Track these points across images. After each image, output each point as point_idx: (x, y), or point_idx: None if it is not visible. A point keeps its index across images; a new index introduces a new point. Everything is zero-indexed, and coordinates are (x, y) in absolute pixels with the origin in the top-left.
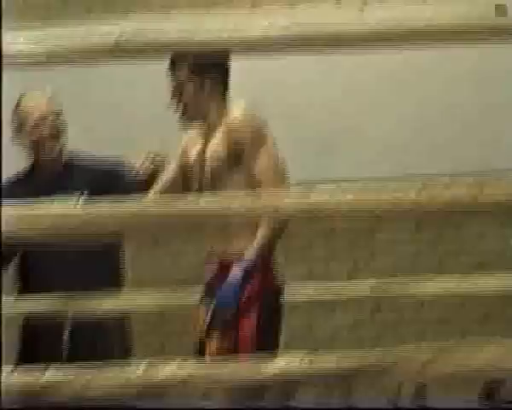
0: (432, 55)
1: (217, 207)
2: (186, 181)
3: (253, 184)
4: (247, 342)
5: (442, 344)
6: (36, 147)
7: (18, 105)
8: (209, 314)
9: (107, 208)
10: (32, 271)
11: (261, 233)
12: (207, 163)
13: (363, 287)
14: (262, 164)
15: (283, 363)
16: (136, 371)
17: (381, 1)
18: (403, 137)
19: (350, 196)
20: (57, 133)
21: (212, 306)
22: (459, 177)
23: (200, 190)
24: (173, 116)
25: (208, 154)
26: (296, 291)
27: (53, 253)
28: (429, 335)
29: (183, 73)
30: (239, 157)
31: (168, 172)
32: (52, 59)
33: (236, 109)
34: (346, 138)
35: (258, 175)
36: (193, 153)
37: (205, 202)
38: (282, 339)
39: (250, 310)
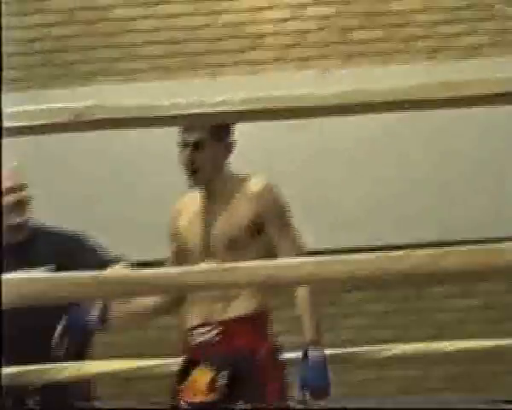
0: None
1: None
2: (183, 256)
3: (270, 254)
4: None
5: None
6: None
7: None
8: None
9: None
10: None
11: (311, 312)
12: (220, 233)
13: None
14: (285, 237)
15: None
16: None
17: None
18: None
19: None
20: (22, 205)
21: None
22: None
23: (204, 258)
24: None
25: (224, 224)
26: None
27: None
28: None
29: (203, 135)
30: (261, 226)
31: (169, 262)
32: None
33: (258, 180)
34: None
35: (280, 247)
36: (192, 222)
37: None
38: None
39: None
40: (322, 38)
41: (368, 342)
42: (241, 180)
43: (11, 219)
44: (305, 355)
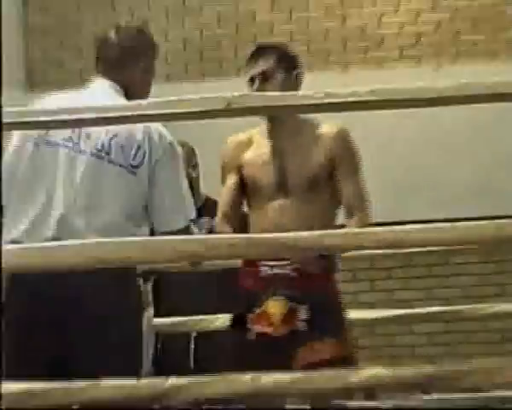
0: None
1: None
2: (251, 190)
3: (336, 200)
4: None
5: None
6: None
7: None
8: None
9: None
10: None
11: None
12: (300, 171)
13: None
14: (354, 184)
15: (370, 372)
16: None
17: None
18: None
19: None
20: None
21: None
22: None
23: (279, 197)
24: None
25: (300, 162)
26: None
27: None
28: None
29: (271, 62)
30: (333, 168)
31: (230, 200)
32: None
33: (333, 124)
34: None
35: (344, 191)
36: (263, 157)
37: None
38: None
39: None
40: (436, 40)
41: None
42: (313, 123)
43: None
44: None
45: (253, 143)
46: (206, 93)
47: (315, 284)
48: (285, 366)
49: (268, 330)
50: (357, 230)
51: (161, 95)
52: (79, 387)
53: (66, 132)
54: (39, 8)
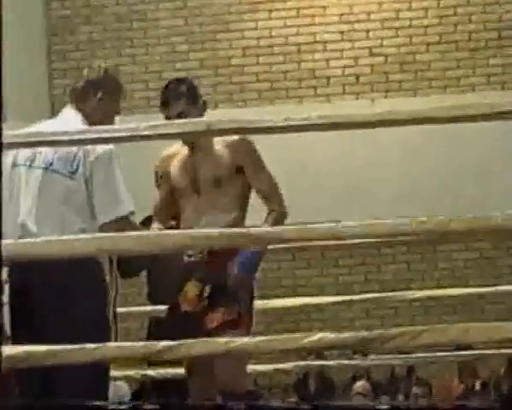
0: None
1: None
2: (176, 195)
3: (244, 195)
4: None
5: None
6: None
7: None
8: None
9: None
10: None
11: (271, 221)
12: (207, 174)
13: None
14: (263, 180)
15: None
16: None
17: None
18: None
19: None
20: None
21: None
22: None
23: (192, 196)
24: None
25: (209, 165)
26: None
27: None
28: None
29: (181, 106)
30: (239, 168)
31: (160, 202)
32: None
33: (236, 136)
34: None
35: (258, 190)
36: (181, 171)
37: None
38: None
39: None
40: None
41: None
42: (224, 138)
43: None
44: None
45: (178, 154)
46: None
47: (217, 267)
48: (202, 333)
49: (188, 308)
50: (312, 226)
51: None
52: (91, 348)
53: (26, 154)
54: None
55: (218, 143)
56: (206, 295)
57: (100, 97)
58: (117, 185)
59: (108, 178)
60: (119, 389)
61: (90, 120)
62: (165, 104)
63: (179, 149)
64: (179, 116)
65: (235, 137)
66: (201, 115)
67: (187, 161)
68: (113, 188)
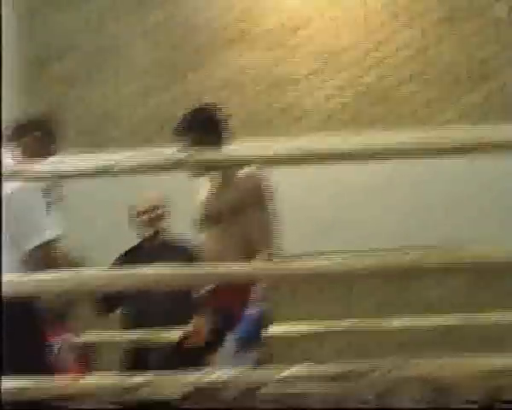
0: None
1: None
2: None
3: (246, 232)
4: None
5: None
6: (143, 227)
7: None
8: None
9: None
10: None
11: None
12: (218, 207)
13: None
14: (258, 220)
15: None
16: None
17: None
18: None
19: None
20: (151, 221)
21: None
22: None
23: (209, 227)
24: None
25: (220, 200)
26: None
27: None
28: None
29: (190, 139)
30: (241, 207)
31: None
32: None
33: (246, 170)
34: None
35: (250, 227)
36: (203, 198)
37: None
38: None
39: None
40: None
41: None
42: (241, 171)
43: (148, 230)
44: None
45: (204, 185)
46: None
47: (222, 304)
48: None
49: (193, 341)
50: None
51: None
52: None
53: None
54: None
55: (233, 175)
56: (210, 329)
57: (32, 138)
58: (35, 213)
59: (26, 207)
60: None
61: (24, 158)
62: (177, 134)
63: (209, 179)
64: (190, 147)
65: (247, 171)
66: (217, 146)
67: (209, 192)
68: (31, 217)
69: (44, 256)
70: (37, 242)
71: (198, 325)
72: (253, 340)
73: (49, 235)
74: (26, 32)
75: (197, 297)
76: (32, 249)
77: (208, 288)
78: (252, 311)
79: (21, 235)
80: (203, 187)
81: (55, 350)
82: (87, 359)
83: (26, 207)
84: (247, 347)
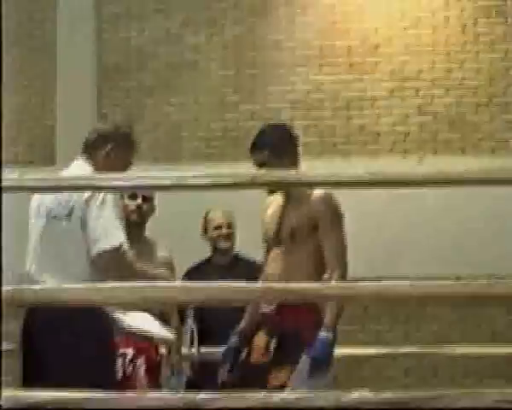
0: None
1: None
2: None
3: (319, 252)
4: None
5: None
6: (213, 243)
7: (206, 215)
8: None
9: None
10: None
11: (331, 314)
12: (286, 226)
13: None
14: (331, 241)
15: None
16: None
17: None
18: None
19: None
20: (229, 235)
21: (306, 359)
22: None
23: (276, 246)
24: None
25: (289, 219)
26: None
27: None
28: None
29: (264, 156)
30: (315, 226)
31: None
32: None
33: (319, 190)
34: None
35: (325, 249)
36: (272, 215)
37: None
38: None
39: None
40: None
41: None
42: (311, 190)
43: (221, 245)
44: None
45: (273, 203)
46: None
47: (286, 322)
48: (265, 387)
49: (254, 357)
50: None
51: None
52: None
53: (33, 206)
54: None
55: (306, 196)
56: (272, 348)
57: (108, 150)
58: (106, 221)
59: (98, 215)
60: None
61: (98, 170)
62: (251, 151)
63: (275, 198)
64: (260, 166)
65: (320, 191)
66: (292, 163)
67: (277, 211)
68: (102, 223)
69: (112, 261)
70: (106, 246)
71: (260, 343)
72: (326, 363)
73: (116, 241)
74: (107, 42)
75: (261, 314)
76: (101, 253)
77: (272, 306)
78: (326, 334)
79: (91, 240)
80: (271, 206)
81: (126, 361)
82: (157, 372)
83: (99, 212)
84: (321, 369)
